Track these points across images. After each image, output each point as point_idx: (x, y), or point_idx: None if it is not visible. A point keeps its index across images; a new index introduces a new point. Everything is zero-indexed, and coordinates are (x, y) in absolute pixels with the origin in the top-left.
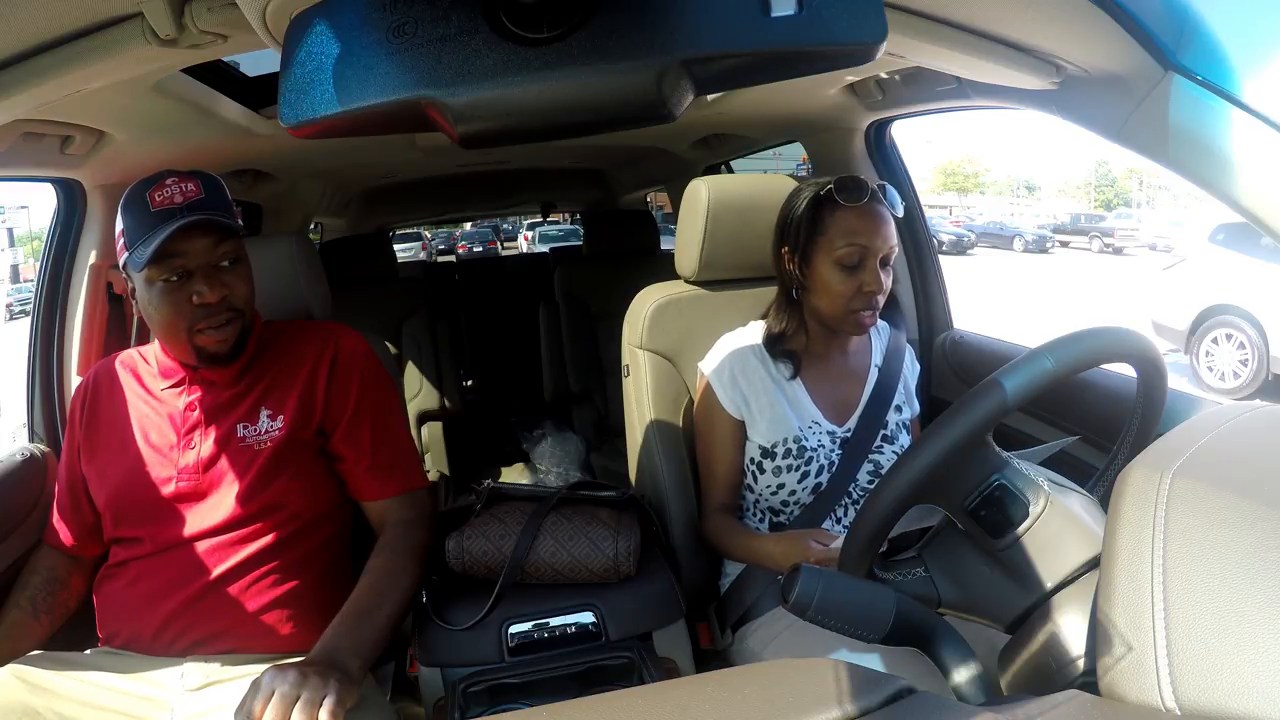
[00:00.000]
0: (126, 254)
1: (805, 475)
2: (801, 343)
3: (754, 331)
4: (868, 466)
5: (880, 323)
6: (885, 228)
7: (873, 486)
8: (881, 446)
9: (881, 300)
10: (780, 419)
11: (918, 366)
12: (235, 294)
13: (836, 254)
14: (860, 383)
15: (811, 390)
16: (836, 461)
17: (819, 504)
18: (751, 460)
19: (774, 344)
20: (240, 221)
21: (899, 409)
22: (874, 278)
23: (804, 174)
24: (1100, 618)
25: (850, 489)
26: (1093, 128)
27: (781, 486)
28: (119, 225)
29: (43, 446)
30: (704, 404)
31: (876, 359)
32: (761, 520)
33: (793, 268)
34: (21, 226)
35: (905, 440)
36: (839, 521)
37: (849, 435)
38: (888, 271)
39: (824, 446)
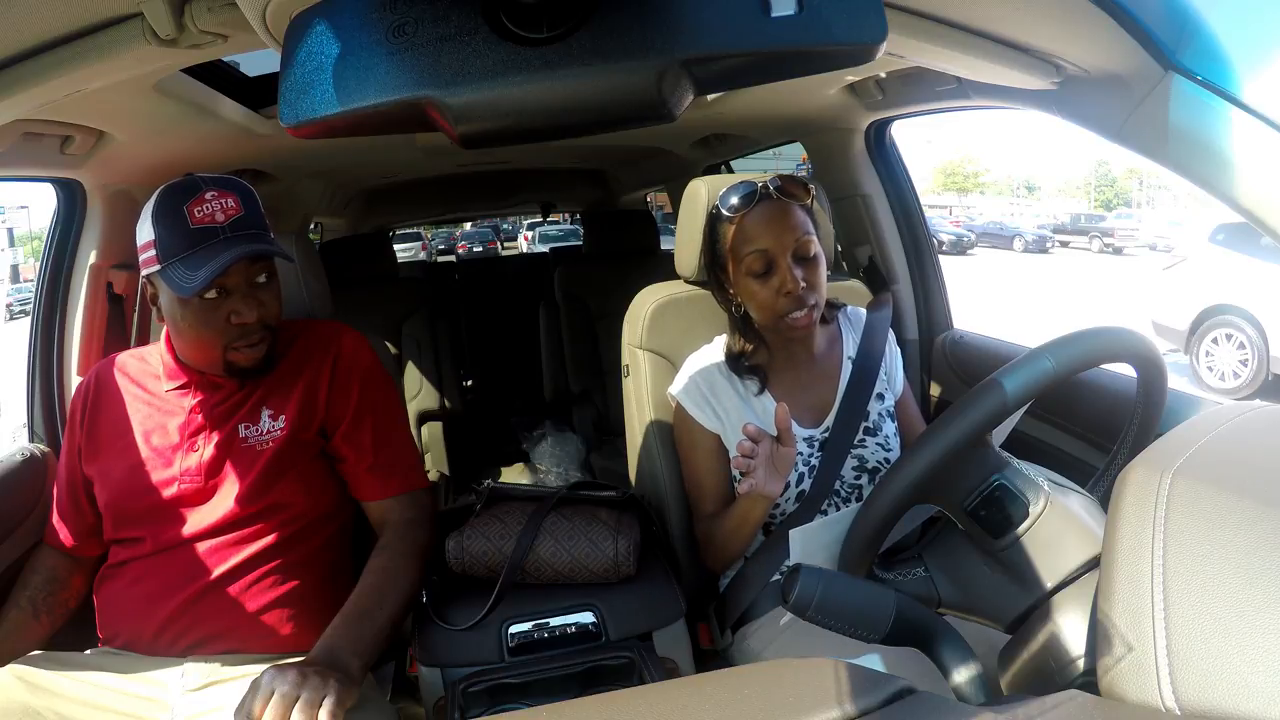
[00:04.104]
0: (157, 266)
1: (786, 486)
2: (764, 356)
3: (718, 349)
4: (851, 462)
5: (855, 310)
6: (784, 222)
7: (859, 480)
8: (864, 440)
9: (813, 296)
10: None
11: (898, 351)
12: (269, 312)
13: (744, 265)
14: (834, 380)
15: (782, 400)
16: (818, 465)
17: (804, 509)
18: (733, 479)
19: (736, 362)
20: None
21: (881, 397)
22: (789, 276)
23: (804, 174)
24: (1100, 618)
25: (836, 487)
26: (1093, 128)
27: None
28: (147, 232)
29: (43, 446)
30: (680, 426)
31: (850, 351)
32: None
33: (724, 290)
34: (21, 226)
35: (889, 429)
36: None
37: (827, 435)
38: (813, 264)
39: (802, 454)
